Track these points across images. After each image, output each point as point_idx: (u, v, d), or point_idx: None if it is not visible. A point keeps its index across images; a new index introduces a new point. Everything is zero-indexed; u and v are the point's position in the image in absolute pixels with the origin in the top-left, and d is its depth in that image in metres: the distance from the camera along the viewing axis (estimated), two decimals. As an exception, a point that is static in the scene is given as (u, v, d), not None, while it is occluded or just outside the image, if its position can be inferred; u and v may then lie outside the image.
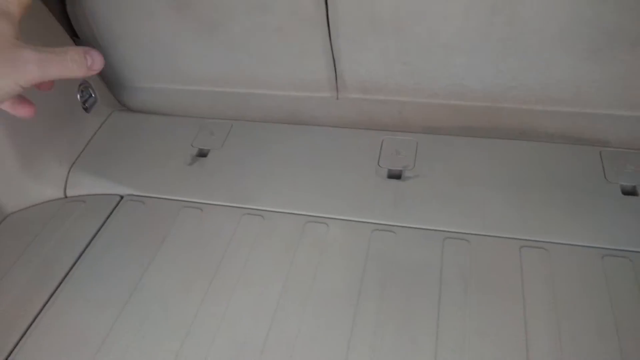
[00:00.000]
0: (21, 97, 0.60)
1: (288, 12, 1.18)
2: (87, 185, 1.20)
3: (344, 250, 0.94)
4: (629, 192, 1.01)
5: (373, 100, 1.24)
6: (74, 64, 0.53)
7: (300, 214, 1.03)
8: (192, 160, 1.22)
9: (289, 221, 1.02)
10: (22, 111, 0.61)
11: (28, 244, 1.06)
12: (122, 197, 1.16)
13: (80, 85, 1.30)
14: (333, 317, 0.84)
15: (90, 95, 1.33)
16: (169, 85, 1.43)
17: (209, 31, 1.29)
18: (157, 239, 1.03)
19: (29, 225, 1.13)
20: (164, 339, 0.86)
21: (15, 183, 1.16)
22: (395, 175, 1.08)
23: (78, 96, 1.30)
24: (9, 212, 1.17)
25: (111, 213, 1.12)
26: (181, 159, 1.22)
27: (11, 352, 0.86)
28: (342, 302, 0.86)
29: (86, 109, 1.32)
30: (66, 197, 1.20)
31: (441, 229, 0.96)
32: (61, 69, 0.52)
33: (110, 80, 1.46)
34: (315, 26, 1.17)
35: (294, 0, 1.11)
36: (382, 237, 0.95)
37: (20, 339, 0.88)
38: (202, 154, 1.24)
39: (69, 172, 1.21)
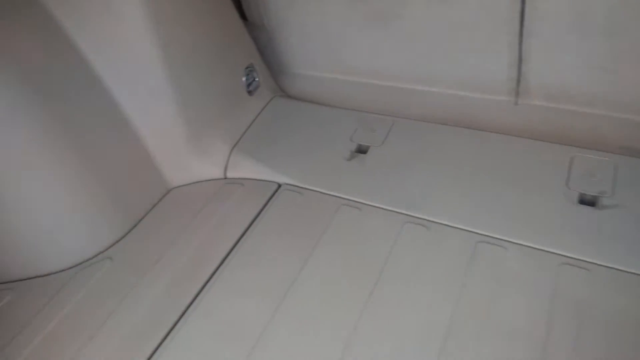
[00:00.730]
0: None
1: (475, 5, 1.08)
2: (246, 168, 1.21)
3: (524, 282, 0.84)
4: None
5: (561, 110, 1.10)
6: None
7: (472, 232, 0.94)
8: (351, 156, 1.18)
9: (458, 237, 0.93)
10: None
11: (189, 221, 1.09)
12: (279, 185, 1.15)
13: (247, 68, 1.31)
14: None
15: (254, 79, 1.34)
16: (330, 74, 1.40)
17: (381, 21, 1.23)
18: (315, 233, 1.01)
19: (191, 202, 1.16)
20: (324, 342, 0.82)
21: (181, 159, 1.20)
22: (589, 202, 0.94)
23: (244, 79, 1.31)
24: (172, 186, 1.22)
25: (269, 200, 1.12)
26: (340, 153, 1.19)
27: (166, 336, 0.87)
28: (524, 344, 0.76)
29: (250, 92, 1.33)
30: (226, 178, 1.22)
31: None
32: None
33: (272, 65, 1.47)
34: (504, 21, 1.06)
35: None
36: (573, 273, 0.83)
37: (175, 324, 0.89)
38: (362, 150, 1.19)
39: (230, 154, 1.23)
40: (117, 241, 1.09)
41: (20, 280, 1.02)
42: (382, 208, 1.04)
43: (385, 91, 1.32)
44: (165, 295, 0.94)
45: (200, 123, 1.20)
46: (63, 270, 1.03)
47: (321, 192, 1.10)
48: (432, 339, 0.79)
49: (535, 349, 0.75)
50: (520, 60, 1.11)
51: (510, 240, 0.91)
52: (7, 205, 0.99)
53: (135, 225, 1.12)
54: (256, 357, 0.81)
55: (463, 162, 1.09)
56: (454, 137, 1.16)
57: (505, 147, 1.10)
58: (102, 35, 1.07)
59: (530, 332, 0.77)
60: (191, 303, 0.92)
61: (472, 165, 1.08)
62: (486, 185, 1.02)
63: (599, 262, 0.84)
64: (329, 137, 1.24)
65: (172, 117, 1.16)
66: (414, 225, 0.98)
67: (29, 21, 1.01)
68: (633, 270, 0.82)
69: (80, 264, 1.04)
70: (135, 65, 1.10)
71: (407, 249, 0.94)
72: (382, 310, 0.85)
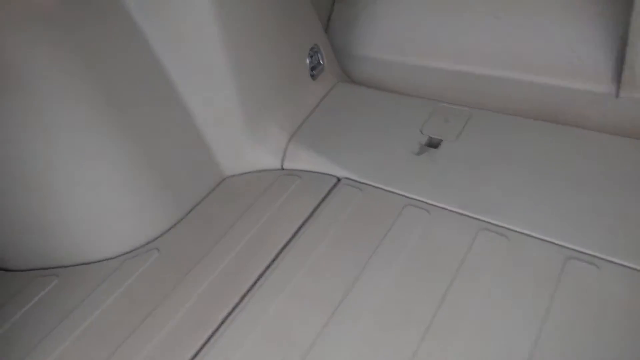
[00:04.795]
0: None
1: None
2: (304, 159, 1.16)
3: (623, 308, 0.74)
4: None
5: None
6: None
7: (561, 245, 0.84)
8: (421, 150, 1.10)
9: (545, 251, 0.84)
10: None
11: (241, 214, 1.06)
12: (339, 179, 1.10)
13: (311, 49, 1.26)
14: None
15: (319, 62, 1.29)
16: (401, 57, 1.33)
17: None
18: (376, 235, 0.94)
19: (245, 193, 1.12)
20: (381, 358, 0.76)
21: (238, 147, 1.17)
22: None
23: (307, 61, 1.26)
24: (227, 175, 1.19)
25: (327, 195, 1.06)
26: (408, 146, 1.11)
27: (212, 335, 0.84)
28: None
29: (313, 76, 1.28)
30: (283, 169, 1.17)
31: None
32: None
33: (338, 46, 1.41)
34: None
35: None
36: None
37: (221, 323, 0.86)
38: (433, 143, 1.11)
39: (288, 143, 1.19)
40: (167, 231, 1.07)
41: (66, 266, 1.03)
42: (454, 211, 0.96)
43: (463, 78, 1.23)
44: (212, 293, 0.91)
45: (258, 109, 1.17)
46: (109, 259, 1.02)
47: (384, 189, 1.04)
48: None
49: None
50: (626, 44, 0.99)
51: (606, 258, 0.80)
52: (58, 188, 0.99)
53: (186, 215, 1.10)
54: (307, 368, 0.77)
55: (551, 163, 0.99)
56: (540, 133, 1.06)
57: (602, 147, 0.99)
58: (165, 18, 1.05)
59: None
60: (239, 302, 0.89)
61: (561, 166, 0.97)
62: (579, 191, 0.92)
63: None
64: (397, 128, 1.17)
65: (230, 102, 1.12)
66: (491, 233, 0.90)
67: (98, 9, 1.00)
68: None
69: (128, 252, 1.03)
70: (196, 47, 1.07)
71: (483, 261, 0.85)
72: (451, 332, 0.77)
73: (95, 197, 1.02)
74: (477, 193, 0.98)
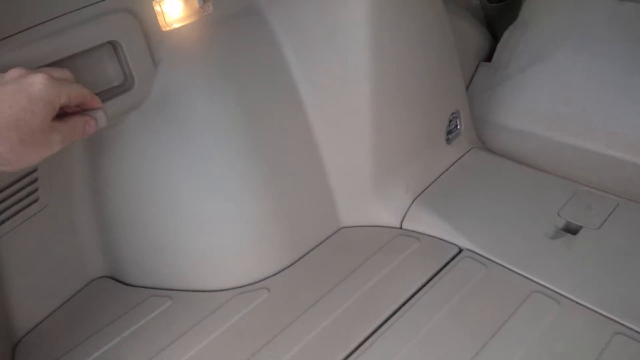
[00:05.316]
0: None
1: None
2: (425, 222, 1.12)
3: None
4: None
5: None
6: (78, 133, 0.66)
7: None
8: (556, 234, 1.02)
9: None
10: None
11: (355, 267, 1.04)
12: (461, 249, 1.05)
13: (452, 114, 1.24)
14: None
15: (456, 127, 1.26)
16: (544, 131, 1.26)
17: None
18: (497, 317, 0.88)
19: (361, 246, 1.11)
20: None
21: (360, 199, 1.17)
22: None
23: (445, 125, 1.24)
24: (343, 225, 1.19)
25: (445, 265, 1.02)
26: (542, 227, 1.04)
27: None
28: None
29: (448, 140, 1.25)
30: (401, 228, 1.15)
31: None
32: (72, 138, 0.65)
33: (476, 111, 1.38)
34: None
35: None
36: None
37: None
38: (571, 229, 1.03)
39: (411, 204, 1.16)
40: (278, 272, 1.08)
41: (179, 290, 1.07)
42: (589, 308, 0.87)
43: (615, 163, 1.14)
44: (318, 342, 0.90)
45: (388, 165, 1.16)
46: (220, 290, 1.05)
47: (510, 269, 0.97)
48: None
49: None
50: None
51: None
52: (187, 216, 1.04)
53: (299, 259, 1.11)
54: None
55: None
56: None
57: None
58: (316, 57, 1.08)
59: None
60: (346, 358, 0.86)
61: None
62: None
63: None
64: (532, 205, 1.10)
65: (363, 156, 1.13)
66: (629, 339, 0.80)
67: (247, 30, 1.06)
68: None
69: (238, 287, 1.06)
70: (342, 97, 1.10)
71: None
72: None
73: (218, 229, 1.06)
74: (618, 290, 0.88)
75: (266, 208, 1.07)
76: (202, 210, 1.04)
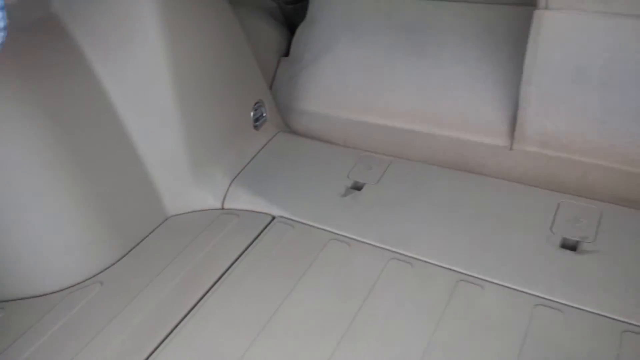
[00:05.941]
0: None
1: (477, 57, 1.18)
2: (243, 200, 1.30)
3: (499, 321, 0.89)
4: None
5: (553, 157, 1.17)
6: None
7: (454, 270, 1.00)
8: (346, 192, 1.26)
9: (440, 276, 0.99)
10: None
11: (181, 250, 1.17)
12: (274, 217, 1.23)
13: (256, 103, 1.42)
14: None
15: (262, 115, 1.45)
16: (334, 111, 1.50)
17: (400, 59, 1.34)
18: (301, 266, 1.08)
19: (186, 230, 1.24)
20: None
21: (182, 188, 1.30)
22: (570, 246, 1.00)
23: (252, 114, 1.42)
24: (170, 214, 1.31)
25: (262, 232, 1.19)
26: (335, 189, 1.27)
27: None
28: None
29: (256, 127, 1.44)
30: (223, 208, 1.30)
31: (621, 319, 0.86)
32: None
33: (281, 100, 1.58)
34: (505, 71, 1.16)
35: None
36: (546, 314, 0.88)
37: (154, 350, 0.95)
38: (357, 186, 1.27)
39: (229, 186, 1.32)
40: (110, 266, 1.16)
41: (9, 300, 1.10)
42: (371, 244, 1.10)
43: (387, 131, 1.41)
44: (148, 322, 1.01)
45: (204, 154, 1.31)
46: (53, 292, 1.10)
47: (313, 226, 1.18)
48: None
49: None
50: (518, 107, 1.19)
51: (488, 279, 0.96)
52: (5, 224, 1.07)
53: (129, 252, 1.20)
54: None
55: (454, 204, 1.16)
56: (449, 179, 1.24)
57: (497, 191, 1.17)
58: (118, 58, 1.18)
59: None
60: (172, 331, 0.98)
61: (462, 206, 1.14)
62: (473, 226, 1.09)
63: (574, 305, 0.89)
64: (327, 173, 1.33)
65: (177, 145, 1.26)
66: (398, 261, 1.05)
67: (46, 39, 1.12)
68: (605, 314, 0.87)
69: (72, 286, 1.12)
70: (148, 93, 1.21)
71: (390, 286, 1.00)
72: (359, 343, 0.90)
73: (38, 233, 1.10)
74: (391, 228, 1.13)
75: (87, 207, 1.14)
76: (22, 220, 1.08)
